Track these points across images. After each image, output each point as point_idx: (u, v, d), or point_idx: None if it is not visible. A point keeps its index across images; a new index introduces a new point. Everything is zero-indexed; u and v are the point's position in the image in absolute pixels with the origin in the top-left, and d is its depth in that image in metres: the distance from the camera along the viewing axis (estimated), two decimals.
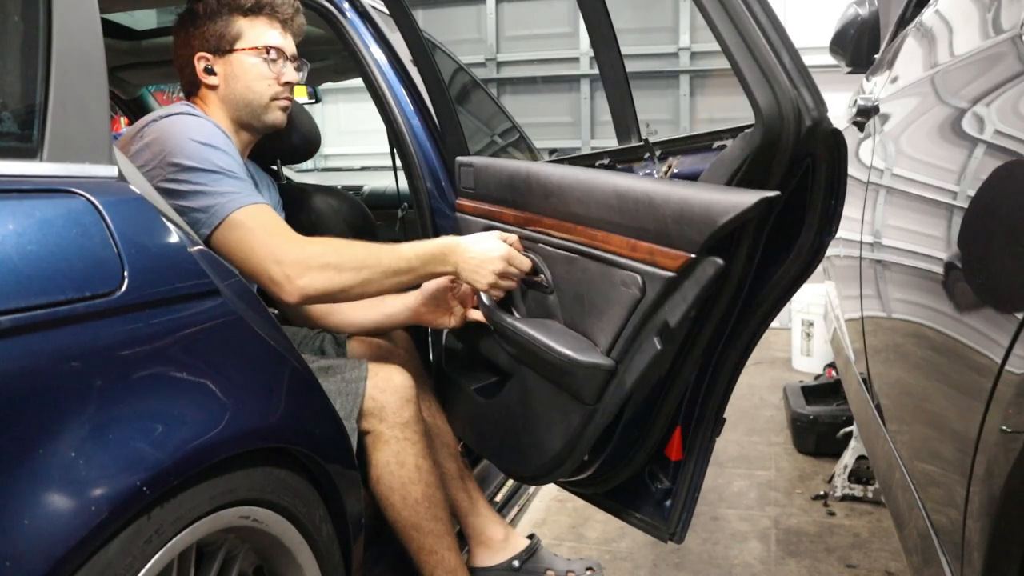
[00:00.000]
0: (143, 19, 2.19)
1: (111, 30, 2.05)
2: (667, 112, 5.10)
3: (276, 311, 1.55)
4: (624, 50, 1.36)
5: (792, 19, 4.12)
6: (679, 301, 1.10)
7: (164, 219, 0.93)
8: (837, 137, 1.05)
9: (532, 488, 2.30)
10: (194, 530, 0.89)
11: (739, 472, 2.51)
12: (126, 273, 0.84)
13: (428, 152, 1.81)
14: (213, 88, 1.46)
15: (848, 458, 2.30)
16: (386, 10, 1.69)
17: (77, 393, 0.77)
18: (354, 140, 5.48)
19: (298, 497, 1.06)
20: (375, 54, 1.81)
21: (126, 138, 1.36)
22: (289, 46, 1.50)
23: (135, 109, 2.45)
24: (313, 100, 2.61)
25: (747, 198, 1.00)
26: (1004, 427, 0.72)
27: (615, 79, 1.37)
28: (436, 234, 1.75)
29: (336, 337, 1.60)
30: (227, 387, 0.94)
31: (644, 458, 1.41)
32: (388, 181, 2.41)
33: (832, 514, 2.20)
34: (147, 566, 0.82)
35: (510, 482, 2.11)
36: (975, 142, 0.91)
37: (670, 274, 1.09)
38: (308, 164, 5.40)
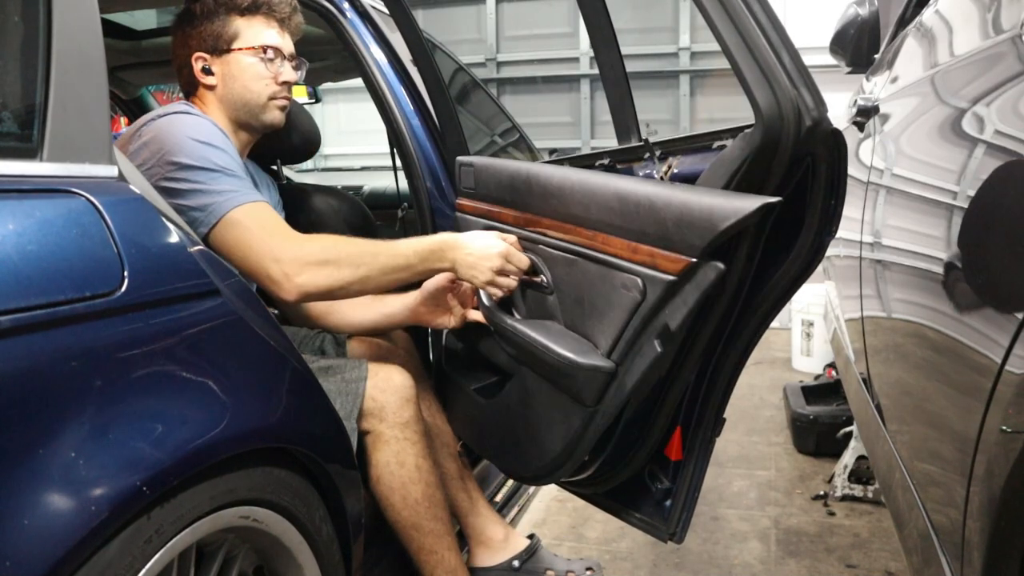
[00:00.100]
0: (143, 19, 2.18)
1: (111, 30, 2.05)
2: (667, 112, 5.10)
3: (276, 311, 1.54)
4: (624, 50, 1.36)
5: (792, 19, 4.12)
6: (680, 305, 1.10)
7: (164, 219, 0.93)
8: (837, 137, 1.05)
9: (532, 488, 2.30)
10: (194, 530, 0.89)
11: (739, 472, 2.51)
12: (126, 273, 0.84)
13: (428, 152, 1.81)
14: (211, 88, 1.46)
15: (848, 458, 2.30)
16: (386, 10, 1.69)
17: (77, 393, 0.77)
18: (354, 140, 5.47)
19: (298, 497, 1.06)
20: (375, 54, 1.80)
21: (125, 137, 1.36)
22: (287, 45, 1.50)
23: (135, 109, 2.45)
24: (313, 100, 2.61)
25: (749, 204, 1.00)
26: (1004, 427, 0.72)
27: (615, 79, 1.37)
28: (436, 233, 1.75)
29: (336, 337, 1.60)
30: (227, 387, 0.94)
31: (644, 458, 1.41)
32: (388, 181, 2.41)
33: (832, 514, 2.20)
34: (147, 566, 0.82)
35: (510, 482, 2.11)
36: (975, 142, 0.91)
37: (671, 278, 1.09)
38: (308, 164, 5.40)
